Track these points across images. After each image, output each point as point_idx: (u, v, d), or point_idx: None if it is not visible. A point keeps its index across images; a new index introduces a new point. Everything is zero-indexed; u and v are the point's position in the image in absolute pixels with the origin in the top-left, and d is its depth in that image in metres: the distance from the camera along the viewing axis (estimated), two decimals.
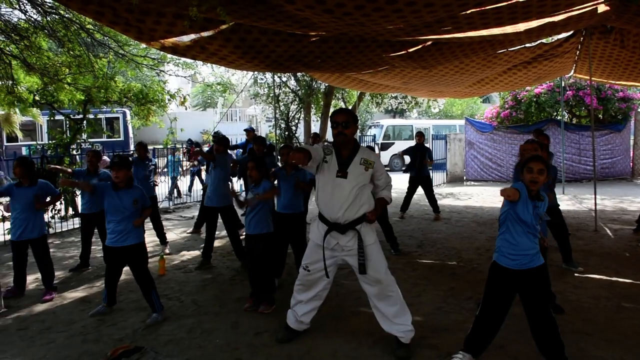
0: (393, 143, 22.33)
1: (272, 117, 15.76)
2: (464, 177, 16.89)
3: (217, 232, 6.69)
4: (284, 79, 15.13)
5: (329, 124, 3.98)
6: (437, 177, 15.82)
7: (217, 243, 7.22)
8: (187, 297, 5.33)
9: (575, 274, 5.84)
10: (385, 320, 3.83)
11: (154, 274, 5.98)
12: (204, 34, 5.36)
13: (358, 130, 27.41)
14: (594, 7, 5.37)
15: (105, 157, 8.29)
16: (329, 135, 4.02)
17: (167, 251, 7.27)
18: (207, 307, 4.99)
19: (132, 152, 13.04)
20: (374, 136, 20.98)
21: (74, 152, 9.58)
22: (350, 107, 16.58)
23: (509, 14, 4.74)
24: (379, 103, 18.22)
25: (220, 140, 6.50)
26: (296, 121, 15.71)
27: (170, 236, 8.33)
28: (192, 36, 5.47)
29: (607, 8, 5.54)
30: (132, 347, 3.84)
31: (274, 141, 14.75)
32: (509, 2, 4.31)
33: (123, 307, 4.99)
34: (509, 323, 3.80)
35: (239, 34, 5.45)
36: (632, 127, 16.09)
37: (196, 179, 13.60)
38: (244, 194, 4.92)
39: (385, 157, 21.69)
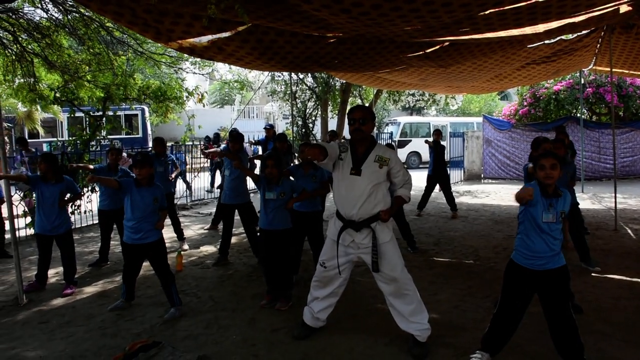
0: (410, 140, 22.23)
1: (289, 114, 15.78)
2: (482, 175, 16.77)
3: (234, 229, 6.74)
4: (301, 76, 15.13)
5: (346, 121, 3.98)
6: (455, 174, 15.73)
7: (234, 240, 7.28)
8: (204, 293, 5.39)
9: (594, 274, 5.78)
10: (401, 319, 3.83)
11: (172, 270, 6.10)
12: (222, 35, 5.40)
13: (375, 128, 27.33)
14: (616, 7, 5.29)
15: (124, 154, 8.38)
16: (346, 133, 4.03)
17: (184, 247, 7.35)
18: (224, 303, 5.04)
19: (149, 149, 13.16)
20: (391, 133, 20.90)
21: (94, 148, 9.69)
22: (367, 104, 16.55)
23: (528, 15, 4.69)
24: (396, 100, 18.15)
25: (235, 137, 6.54)
26: (313, 118, 15.71)
27: (188, 232, 8.42)
28: (210, 37, 5.51)
29: (630, 8, 5.46)
30: (150, 342, 3.89)
31: (291, 138, 14.79)
32: (528, 2, 4.26)
33: (141, 303, 5.07)
34: (527, 322, 3.78)
35: (256, 35, 5.47)
36: None
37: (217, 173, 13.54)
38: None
39: (402, 154, 21.62)
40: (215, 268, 6.34)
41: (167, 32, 5.06)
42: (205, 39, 5.60)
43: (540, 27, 5.56)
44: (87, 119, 9.98)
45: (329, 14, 4.20)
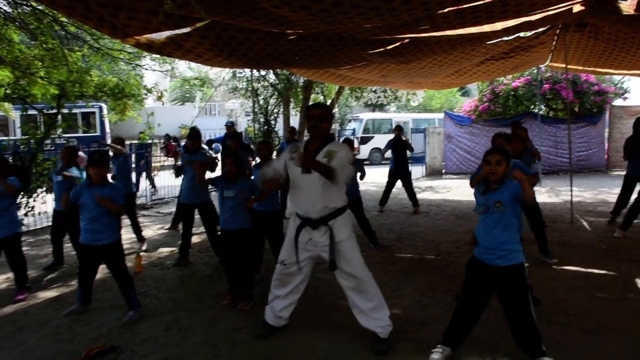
0: (373, 137, 22.40)
1: (251, 111, 15.67)
2: (443, 170, 17.01)
3: (195, 229, 6.64)
4: (263, 73, 15.03)
5: None
6: (416, 170, 15.85)
7: (195, 239, 7.18)
8: (164, 294, 5.29)
9: (552, 266, 5.93)
10: (362, 316, 3.84)
11: (130, 272, 5.93)
12: (180, 31, 5.30)
13: (338, 124, 27.41)
14: (570, 6, 5.44)
15: (81, 154, 8.12)
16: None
17: (143, 248, 7.21)
18: (184, 304, 4.96)
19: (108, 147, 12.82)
20: (354, 130, 21.00)
21: (48, 147, 9.37)
22: (329, 101, 16.56)
23: (486, 13, 4.76)
24: (359, 97, 18.23)
25: (194, 135, 6.44)
26: (275, 115, 15.63)
27: (148, 233, 8.25)
28: (168, 33, 5.40)
29: (583, 8, 5.61)
30: (107, 346, 3.78)
31: (253, 135, 14.67)
32: (486, 2, 4.33)
33: (98, 306, 4.92)
34: (489, 316, 3.84)
35: (215, 32, 5.39)
36: (607, 120, 16.37)
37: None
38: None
39: (365, 150, 21.77)
40: (175, 268, 6.23)
41: (123, 27, 4.93)
42: (163, 35, 5.49)
43: (498, 25, 5.66)
44: (41, 117, 9.65)
45: (288, 11, 4.17)
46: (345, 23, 4.59)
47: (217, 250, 6.38)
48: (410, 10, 4.21)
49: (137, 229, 7.36)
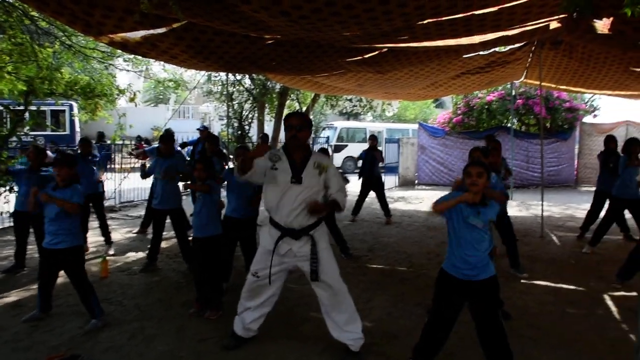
0: (346, 145, 22.45)
1: (225, 115, 15.52)
2: (416, 181, 17.11)
3: (165, 233, 6.49)
4: (239, 77, 14.92)
5: (283, 125, 3.89)
6: (389, 180, 15.95)
7: (164, 244, 7.02)
8: (130, 301, 5.13)
9: (522, 280, 5.97)
10: (335, 328, 3.78)
11: (95, 276, 5.78)
12: (156, 31, 5.18)
13: (312, 132, 27.35)
14: (547, 23, 5.52)
15: (48, 152, 7.87)
16: (283, 136, 3.94)
17: (111, 252, 7.01)
18: (150, 312, 4.81)
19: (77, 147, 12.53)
20: (328, 138, 21.00)
21: (14, 145, 9.09)
22: (304, 108, 16.53)
23: (464, 26, 4.80)
24: (334, 105, 18.26)
25: (166, 138, 6.30)
26: (249, 120, 15.52)
27: (116, 236, 8.04)
28: (143, 33, 5.28)
29: (559, 25, 5.70)
30: (67, 355, 3.65)
31: (226, 140, 14.52)
32: (465, 15, 4.35)
33: (61, 312, 4.74)
34: (460, 330, 3.82)
35: (193, 33, 5.29)
36: (577, 137, 16.74)
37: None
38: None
39: (338, 159, 21.79)
40: (142, 274, 6.06)
41: (97, 25, 4.79)
42: (138, 34, 5.37)
43: (476, 38, 5.70)
44: (7, 114, 9.35)
45: (267, 16, 4.11)
46: (325, 31, 4.56)
47: (187, 257, 6.26)
48: (391, 21, 4.20)
49: (105, 231, 7.17)
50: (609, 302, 5.27)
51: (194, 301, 4.81)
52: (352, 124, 25.58)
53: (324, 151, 7.32)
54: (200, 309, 4.71)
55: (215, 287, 4.75)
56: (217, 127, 25.21)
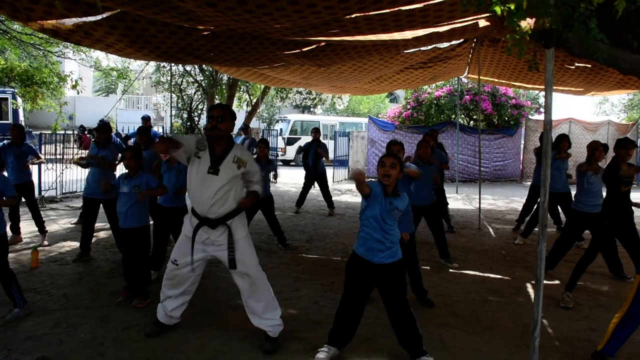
0: (299, 138, 22.50)
1: (175, 106, 15.35)
2: (365, 174, 17.27)
3: (103, 223, 6.41)
4: (188, 68, 14.76)
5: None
6: (339, 173, 16.13)
7: (102, 234, 6.97)
8: (58, 290, 5.08)
9: (451, 270, 6.19)
10: (254, 315, 3.87)
11: (26, 267, 5.70)
12: (88, 19, 5.11)
13: (266, 124, 27.19)
14: (476, 21, 5.70)
15: None
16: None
17: (45, 242, 6.87)
18: (78, 301, 4.78)
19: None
20: (281, 130, 21.00)
21: None
22: (254, 100, 16.49)
23: (393, 22, 4.90)
24: (284, 98, 18.27)
25: (102, 128, 6.23)
26: (199, 111, 15.39)
27: (53, 227, 7.90)
28: (75, 20, 5.20)
29: (488, 23, 5.90)
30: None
31: (176, 130, 14.37)
32: (393, 10, 4.46)
33: None
34: (378, 316, 3.95)
35: (126, 22, 5.22)
36: (523, 133, 17.30)
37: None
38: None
39: (291, 151, 21.86)
40: (75, 264, 5.99)
41: (25, 10, 4.67)
42: (70, 21, 5.28)
43: (408, 34, 5.83)
44: None
45: (195, 7, 4.12)
46: (254, 22, 4.60)
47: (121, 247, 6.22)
48: (317, 14, 4.26)
49: (38, 220, 7.00)
50: (530, 291, 5.53)
51: (122, 290, 4.82)
52: (305, 117, 25.63)
53: (263, 141, 7.36)
54: (128, 297, 4.72)
55: (142, 275, 4.75)
56: (167, 118, 24.85)
